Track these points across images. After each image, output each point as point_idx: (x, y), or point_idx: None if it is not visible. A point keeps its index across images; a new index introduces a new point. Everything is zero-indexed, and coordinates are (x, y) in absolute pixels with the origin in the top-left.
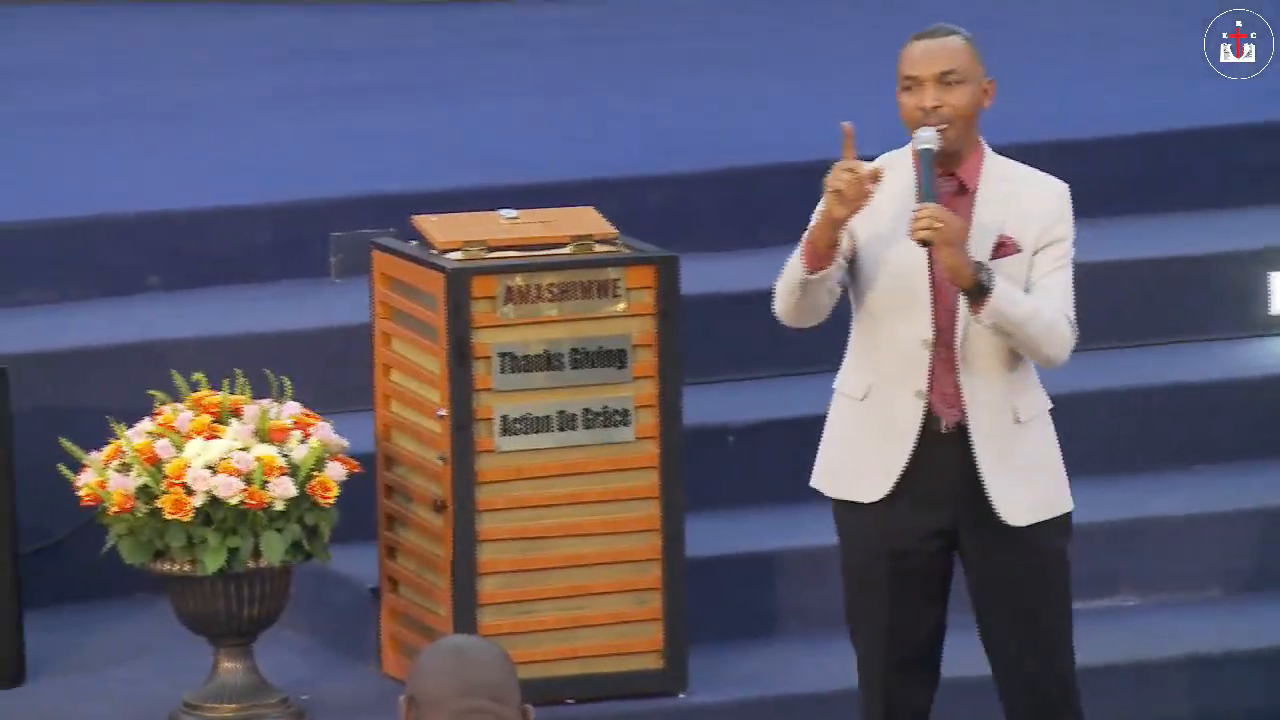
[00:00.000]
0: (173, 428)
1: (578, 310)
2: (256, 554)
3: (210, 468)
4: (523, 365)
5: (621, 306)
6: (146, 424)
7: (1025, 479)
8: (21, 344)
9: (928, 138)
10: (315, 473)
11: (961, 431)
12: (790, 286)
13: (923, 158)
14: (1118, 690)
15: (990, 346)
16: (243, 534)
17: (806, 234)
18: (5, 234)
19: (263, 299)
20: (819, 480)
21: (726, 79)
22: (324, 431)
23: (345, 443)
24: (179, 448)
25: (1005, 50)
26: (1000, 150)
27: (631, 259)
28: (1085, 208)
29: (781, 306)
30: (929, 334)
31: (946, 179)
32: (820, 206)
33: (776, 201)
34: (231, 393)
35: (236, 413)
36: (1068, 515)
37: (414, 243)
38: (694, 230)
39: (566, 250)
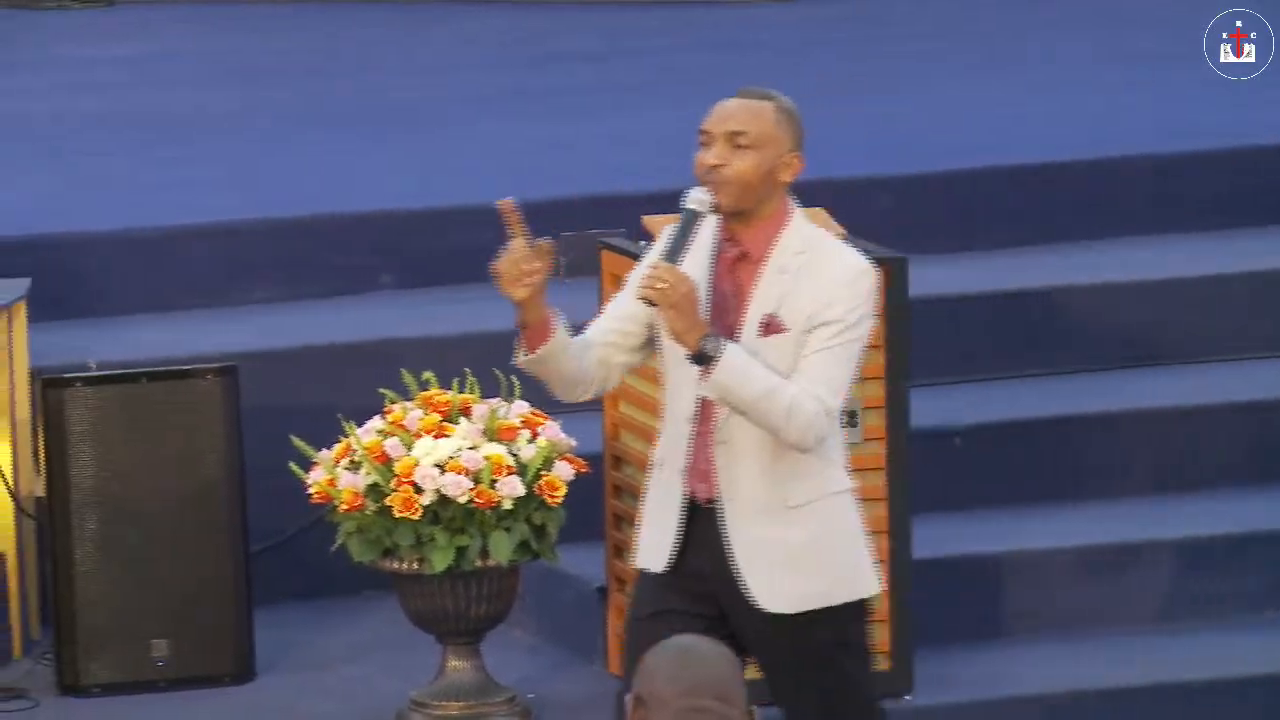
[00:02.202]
0: (402, 426)
1: None
2: (484, 553)
3: (439, 466)
4: None
5: None
6: (376, 422)
7: (791, 566)
8: (253, 342)
9: (694, 198)
10: (543, 472)
11: (719, 511)
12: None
13: (682, 216)
14: None
15: (753, 426)
16: (471, 533)
17: None
18: (237, 233)
19: (492, 298)
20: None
21: (953, 82)
22: (552, 431)
23: (573, 442)
24: (408, 446)
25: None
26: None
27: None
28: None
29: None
30: (691, 410)
31: (729, 244)
32: None
33: (1001, 204)
34: (461, 392)
35: (465, 412)
36: (853, 605)
37: (642, 243)
38: (922, 232)
39: None
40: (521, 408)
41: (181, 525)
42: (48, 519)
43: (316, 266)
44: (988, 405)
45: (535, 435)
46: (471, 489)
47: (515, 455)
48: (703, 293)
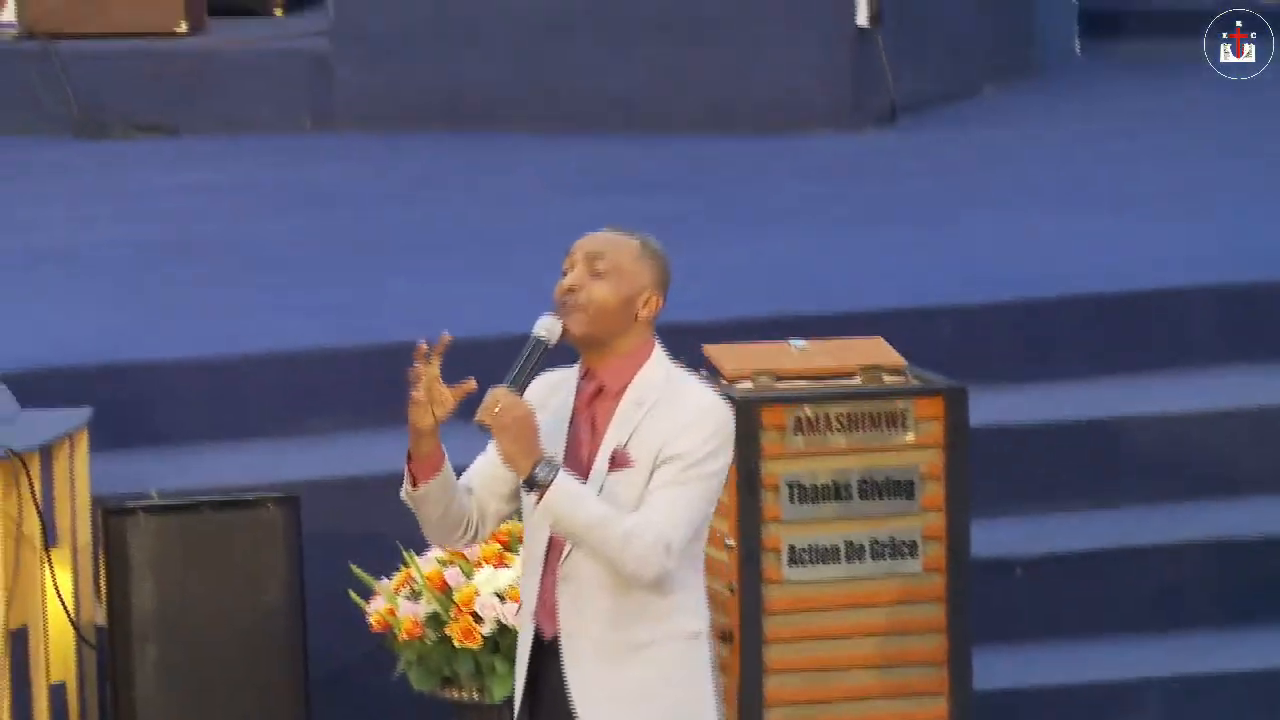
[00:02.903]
0: (462, 555)
1: (866, 441)
2: None
3: (499, 595)
4: (811, 495)
5: (910, 437)
6: (436, 552)
7: (629, 707)
8: (315, 471)
9: (544, 324)
10: None
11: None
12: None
13: (528, 343)
14: None
15: (595, 566)
16: None
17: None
18: (299, 362)
19: None
20: None
21: (1014, 211)
22: None
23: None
24: (468, 575)
25: None
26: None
27: (920, 390)
28: None
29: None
30: (542, 549)
31: (587, 379)
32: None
33: (1066, 333)
34: (520, 521)
35: None
36: None
37: (703, 372)
38: (983, 361)
39: (855, 381)
40: None
41: (242, 654)
42: (108, 647)
43: (378, 395)
44: (1050, 536)
45: None
46: None
47: None
48: (560, 435)
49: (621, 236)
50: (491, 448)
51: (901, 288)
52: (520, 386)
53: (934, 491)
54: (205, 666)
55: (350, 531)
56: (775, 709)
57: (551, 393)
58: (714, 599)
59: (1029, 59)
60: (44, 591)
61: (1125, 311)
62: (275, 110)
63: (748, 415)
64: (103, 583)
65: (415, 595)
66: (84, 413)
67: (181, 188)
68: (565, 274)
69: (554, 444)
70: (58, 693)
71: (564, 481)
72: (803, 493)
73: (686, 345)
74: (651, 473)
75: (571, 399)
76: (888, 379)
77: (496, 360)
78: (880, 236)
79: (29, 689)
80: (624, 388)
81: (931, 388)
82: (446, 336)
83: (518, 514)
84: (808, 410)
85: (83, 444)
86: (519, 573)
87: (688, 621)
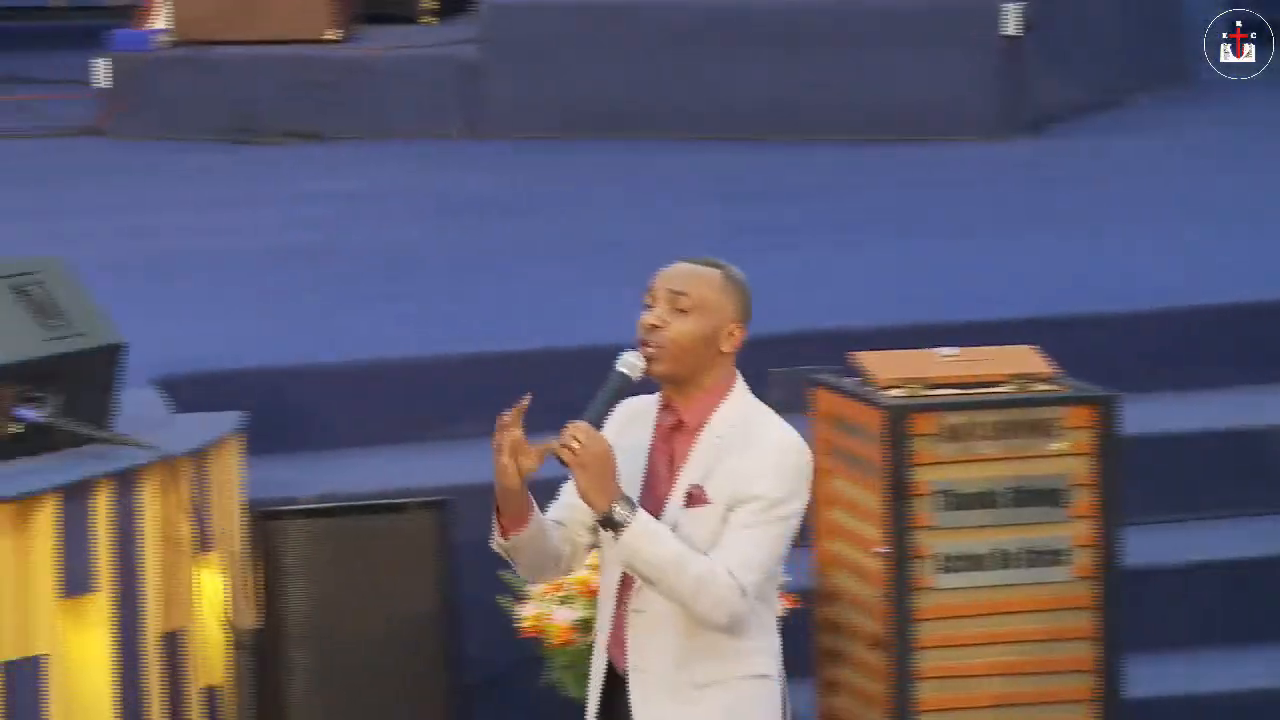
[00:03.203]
0: None
1: (1016, 448)
2: None
3: None
4: (961, 503)
5: (1060, 445)
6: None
7: None
8: (465, 476)
9: (626, 360)
10: None
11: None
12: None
13: (610, 378)
14: None
15: (666, 602)
16: None
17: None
18: (448, 367)
19: None
20: None
21: (1160, 220)
22: None
23: (784, 577)
24: None
25: None
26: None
27: (1070, 398)
28: None
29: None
30: (614, 580)
31: (666, 411)
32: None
33: (1211, 341)
34: None
35: None
36: None
37: (853, 379)
38: (1128, 369)
39: (1006, 389)
40: None
41: (393, 658)
42: (261, 651)
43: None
44: (1194, 544)
45: None
46: None
47: None
48: (639, 466)
49: (703, 269)
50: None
51: (1049, 296)
52: (599, 421)
53: (1084, 500)
54: (355, 671)
55: None
56: (926, 715)
57: (630, 421)
58: (865, 605)
59: (1181, 68)
60: (197, 595)
61: (1272, 320)
62: (423, 117)
63: (899, 422)
64: (255, 586)
65: (567, 601)
66: (237, 417)
67: (331, 194)
68: (647, 308)
69: (631, 475)
70: (211, 696)
71: (641, 522)
72: (953, 500)
73: (834, 352)
74: (727, 512)
75: (650, 430)
76: (1038, 387)
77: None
78: (1028, 245)
79: (182, 692)
80: (703, 423)
81: (1083, 396)
82: (525, 400)
83: None
84: (958, 418)
85: (236, 448)
86: (602, 593)
87: (757, 663)
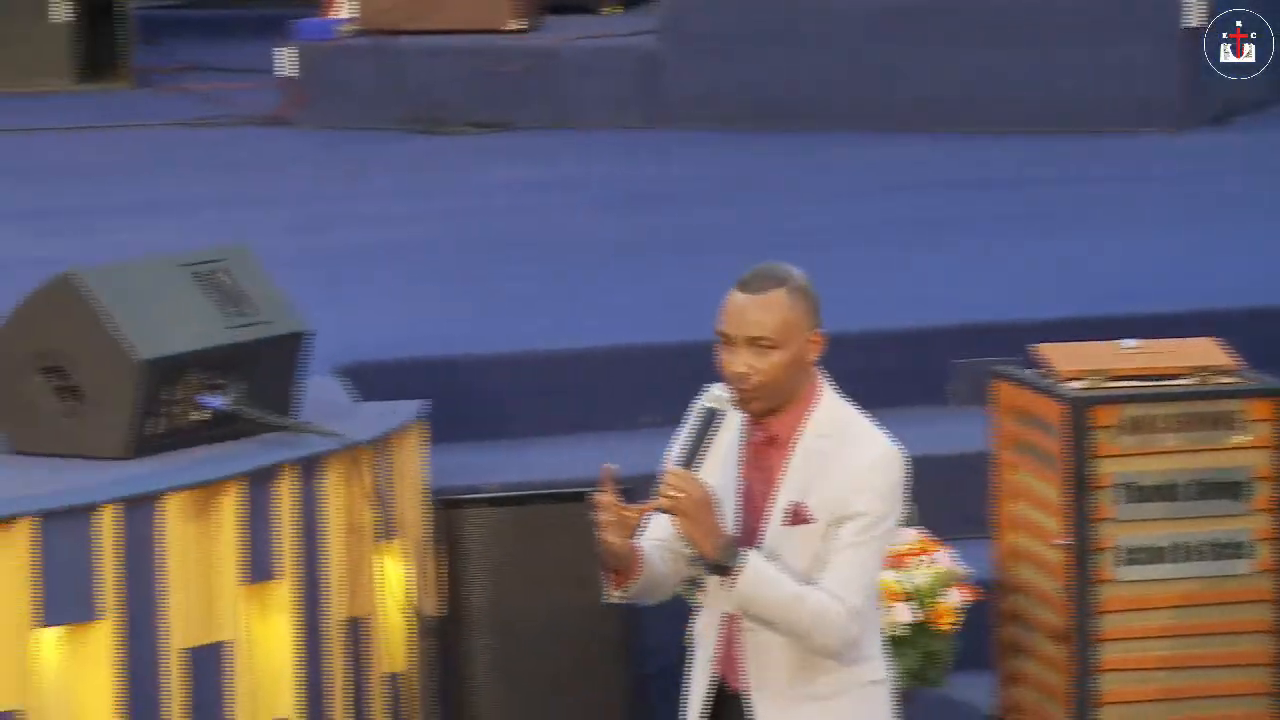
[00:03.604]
0: None
1: (1197, 441)
2: None
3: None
4: (1142, 495)
5: (1242, 438)
6: None
7: None
8: (646, 465)
9: (713, 395)
10: (935, 599)
11: (748, 701)
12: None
13: (700, 415)
14: None
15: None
16: None
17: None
18: (627, 357)
19: (884, 424)
20: None
21: None
22: (944, 558)
23: (965, 570)
24: None
25: None
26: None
27: (1253, 391)
28: None
29: None
30: (724, 601)
31: (757, 428)
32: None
33: None
34: None
35: None
36: None
37: (1034, 371)
38: None
39: (1187, 381)
40: (914, 535)
41: (574, 646)
42: (443, 639)
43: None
44: None
45: (927, 562)
46: None
47: (907, 582)
48: (731, 479)
49: (769, 295)
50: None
51: (1232, 288)
52: (692, 462)
53: (1265, 493)
54: (537, 658)
55: None
56: (1107, 708)
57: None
58: (1046, 598)
59: None
60: (380, 582)
61: None
62: (605, 107)
63: (1080, 415)
64: (437, 574)
65: None
66: (420, 405)
67: (513, 183)
68: (724, 343)
69: (722, 489)
70: (393, 682)
71: (752, 568)
72: (1134, 493)
73: (1015, 344)
74: (829, 529)
75: (737, 440)
76: (1220, 380)
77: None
78: (1210, 236)
79: (363, 678)
80: (795, 435)
81: (1265, 389)
82: (610, 468)
83: None
84: (1140, 410)
85: (419, 437)
86: (704, 611)
87: (873, 668)
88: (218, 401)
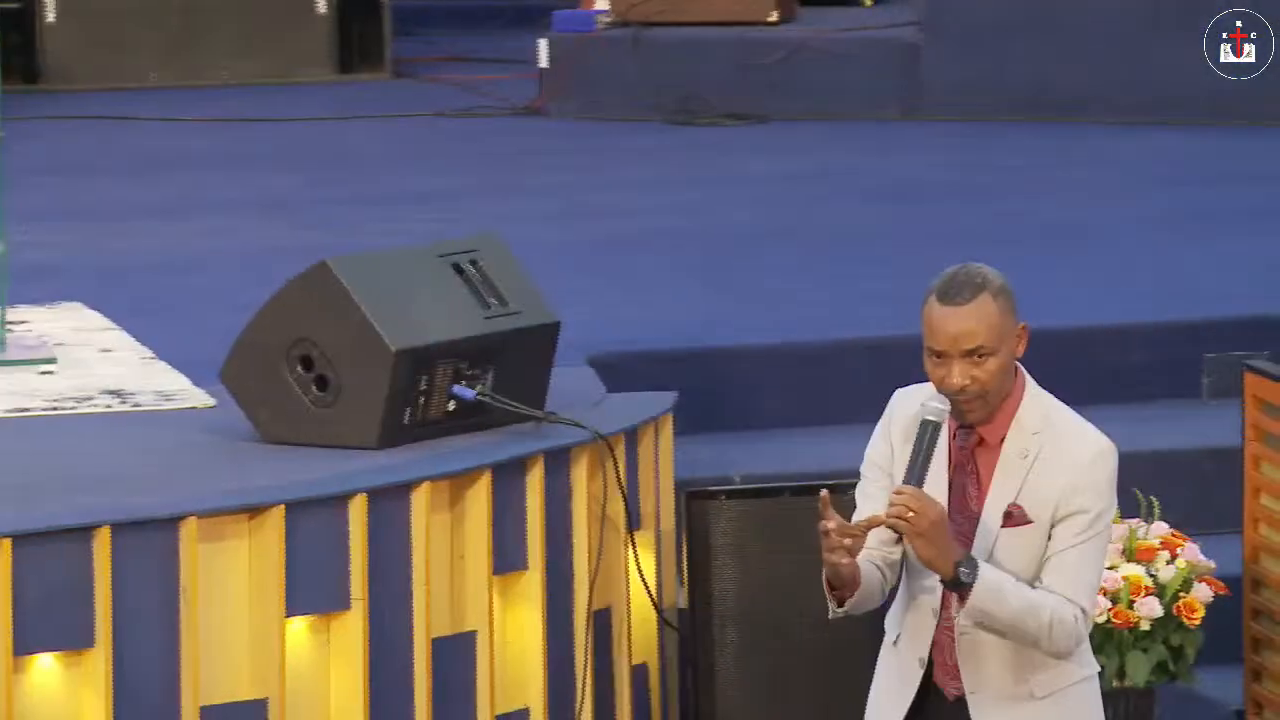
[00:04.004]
0: None
1: None
2: (1121, 673)
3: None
4: None
5: None
6: None
7: None
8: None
9: (936, 410)
10: (1182, 593)
11: (964, 705)
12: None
13: (922, 429)
14: None
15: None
16: (1108, 653)
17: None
18: (879, 350)
19: (1136, 419)
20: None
21: None
22: (1191, 552)
23: (1212, 564)
24: None
25: None
26: None
27: None
28: None
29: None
30: (937, 601)
31: (965, 430)
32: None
33: None
34: None
35: None
36: None
37: None
38: None
39: None
40: (1161, 529)
41: (822, 641)
42: (689, 630)
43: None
44: None
45: (1174, 556)
46: (1110, 609)
47: (1154, 576)
48: (941, 485)
49: (977, 303)
50: (862, 506)
51: None
52: (923, 480)
53: None
54: (785, 651)
55: None
56: None
57: (912, 423)
58: None
59: None
60: (627, 573)
61: None
62: (863, 99)
63: None
64: (684, 566)
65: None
66: (670, 396)
67: (770, 175)
68: (935, 357)
69: (936, 495)
70: (639, 673)
71: (985, 581)
72: None
73: (1269, 338)
74: (1050, 528)
75: (943, 445)
76: None
77: (1073, 351)
78: None
79: (611, 668)
80: (1004, 434)
81: None
82: (825, 494)
83: None
84: None
85: (668, 428)
86: (899, 607)
87: (1086, 663)
88: (469, 392)
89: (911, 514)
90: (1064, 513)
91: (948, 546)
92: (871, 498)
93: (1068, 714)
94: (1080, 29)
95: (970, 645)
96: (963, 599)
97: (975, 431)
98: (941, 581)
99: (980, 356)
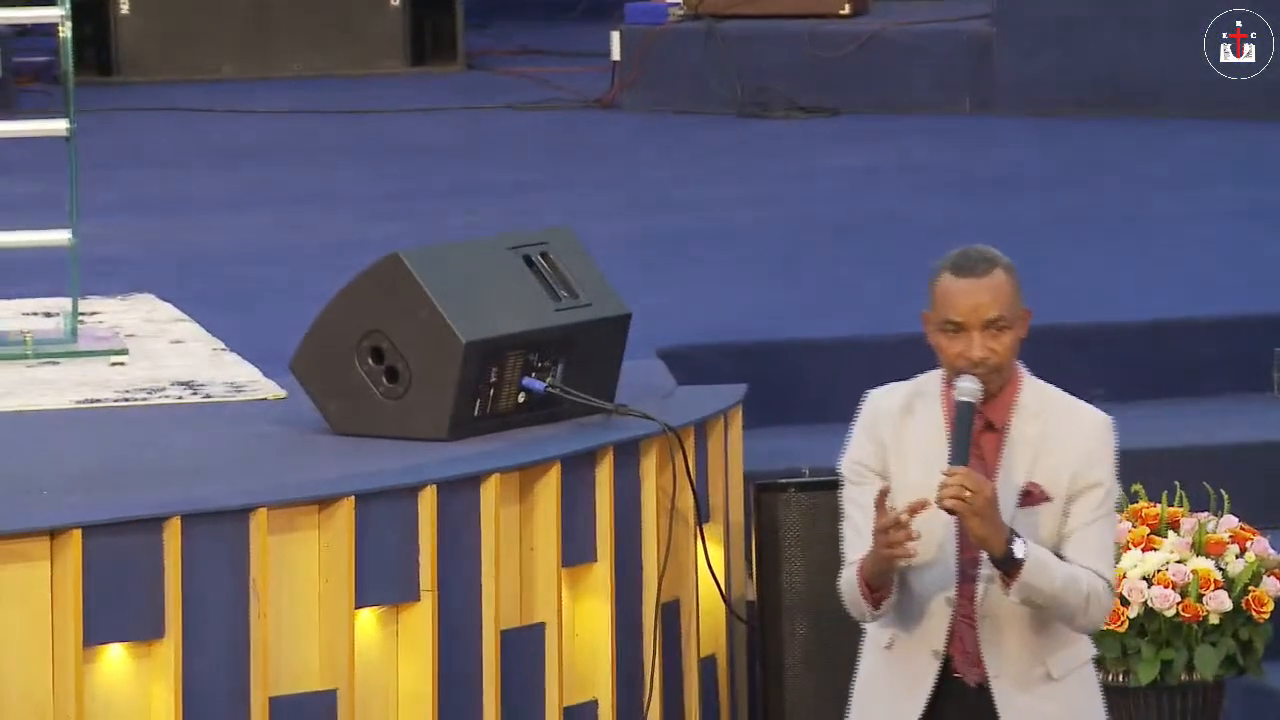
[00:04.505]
0: None
1: None
2: (1189, 667)
3: (1146, 579)
4: None
5: None
6: None
7: None
8: None
9: (969, 390)
10: (1251, 587)
11: (985, 691)
12: (859, 614)
13: (960, 411)
14: None
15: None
16: (1177, 646)
17: (859, 575)
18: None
19: (1206, 412)
20: None
21: None
22: (1261, 546)
23: None
24: (1115, 558)
25: None
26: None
27: None
28: None
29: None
30: (952, 590)
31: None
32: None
33: None
34: (1170, 505)
35: (1174, 525)
36: None
37: None
38: None
39: None
40: (1230, 522)
41: None
42: (758, 623)
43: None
44: None
45: (1244, 550)
46: (1178, 602)
47: (1223, 569)
48: (939, 455)
49: (994, 277)
50: (851, 513)
51: None
52: (965, 458)
53: None
54: (853, 644)
55: None
56: None
57: (904, 415)
58: None
59: None
60: (696, 566)
61: None
62: (935, 92)
63: None
64: (753, 558)
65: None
66: (740, 389)
67: (842, 168)
68: (951, 330)
69: (936, 476)
70: (708, 666)
71: (1034, 556)
72: None
73: None
74: (1067, 505)
75: (942, 425)
76: None
77: (1140, 346)
78: None
79: (679, 661)
80: (1008, 419)
81: None
82: (879, 493)
83: None
84: None
85: (737, 420)
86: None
87: (1086, 648)
88: (539, 384)
89: (968, 493)
90: (1079, 487)
91: (999, 525)
92: (864, 507)
93: (1082, 695)
94: (1153, 22)
95: (992, 629)
96: (1013, 576)
97: (983, 416)
98: (992, 560)
99: (999, 329)
